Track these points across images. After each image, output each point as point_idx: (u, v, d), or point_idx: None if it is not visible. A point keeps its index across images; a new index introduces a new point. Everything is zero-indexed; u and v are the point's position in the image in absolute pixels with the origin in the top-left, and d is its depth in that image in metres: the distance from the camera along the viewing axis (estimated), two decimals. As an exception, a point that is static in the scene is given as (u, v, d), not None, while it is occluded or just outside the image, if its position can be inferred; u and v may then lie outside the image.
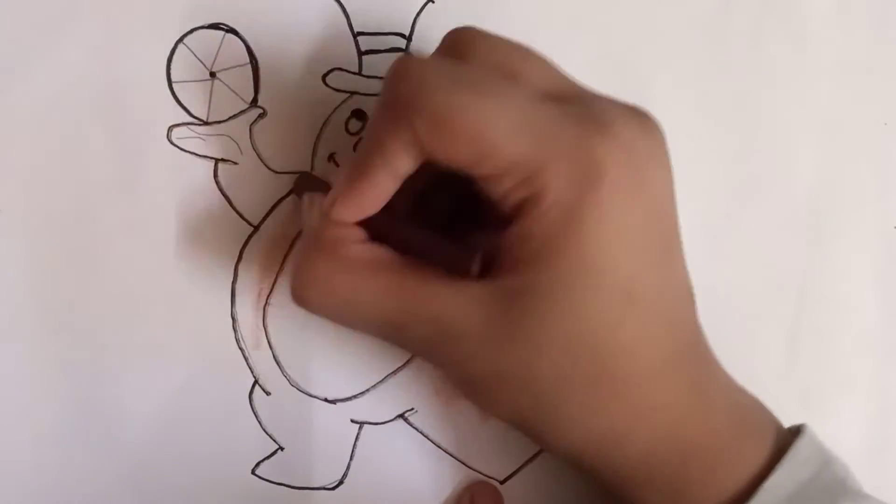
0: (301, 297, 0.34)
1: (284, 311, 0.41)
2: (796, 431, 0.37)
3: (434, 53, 0.35)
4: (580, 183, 0.31)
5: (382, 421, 0.42)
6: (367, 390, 0.42)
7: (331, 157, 0.41)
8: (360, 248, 0.34)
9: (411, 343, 0.36)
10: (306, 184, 0.40)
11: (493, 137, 0.31)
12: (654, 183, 0.33)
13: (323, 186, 0.37)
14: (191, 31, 0.40)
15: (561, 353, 0.32)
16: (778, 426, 0.37)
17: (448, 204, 0.37)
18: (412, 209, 0.36)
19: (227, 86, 0.41)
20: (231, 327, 0.41)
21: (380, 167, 0.32)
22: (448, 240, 0.34)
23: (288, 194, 0.41)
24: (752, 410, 0.37)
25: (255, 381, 0.41)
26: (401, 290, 0.33)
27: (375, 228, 0.34)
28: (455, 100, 0.31)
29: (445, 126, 0.31)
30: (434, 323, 0.33)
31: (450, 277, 0.33)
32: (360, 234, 0.34)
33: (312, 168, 0.41)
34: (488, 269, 0.33)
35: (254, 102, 0.41)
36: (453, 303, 0.32)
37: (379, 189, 0.33)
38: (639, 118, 0.34)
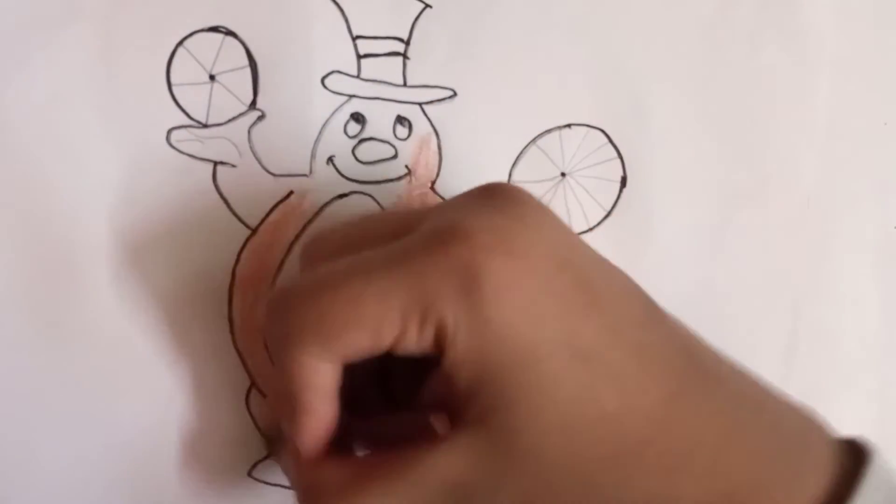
0: None
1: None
2: (856, 449, 0.33)
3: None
4: (466, 293, 0.29)
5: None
6: (366, 391, 0.42)
7: (329, 160, 0.41)
8: (342, 480, 0.33)
9: None
10: (277, 442, 0.40)
11: (372, 311, 0.30)
12: (533, 246, 0.31)
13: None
14: (190, 34, 0.40)
15: (563, 446, 0.30)
16: (835, 447, 0.33)
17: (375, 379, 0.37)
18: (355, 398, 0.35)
19: (226, 89, 0.41)
20: (228, 330, 0.41)
21: (304, 391, 0.32)
22: (406, 413, 0.34)
23: (286, 198, 0.41)
24: (799, 433, 0.33)
25: (252, 384, 0.42)
26: (399, 481, 0.32)
27: (343, 436, 0.34)
28: (320, 306, 0.31)
29: (328, 332, 0.31)
30: (445, 486, 0.31)
31: (432, 444, 0.32)
32: (336, 471, 0.33)
33: (311, 171, 0.41)
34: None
35: (253, 105, 0.41)
36: (447, 461, 0.31)
37: (317, 411, 0.33)
38: (485, 198, 0.32)
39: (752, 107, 0.44)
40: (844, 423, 0.45)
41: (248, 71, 0.41)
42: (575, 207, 0.43)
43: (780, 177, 0.44)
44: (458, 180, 0.42)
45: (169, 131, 0.40)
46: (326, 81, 0.41)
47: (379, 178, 0.42)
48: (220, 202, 0.41)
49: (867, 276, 0.46)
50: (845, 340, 0.46)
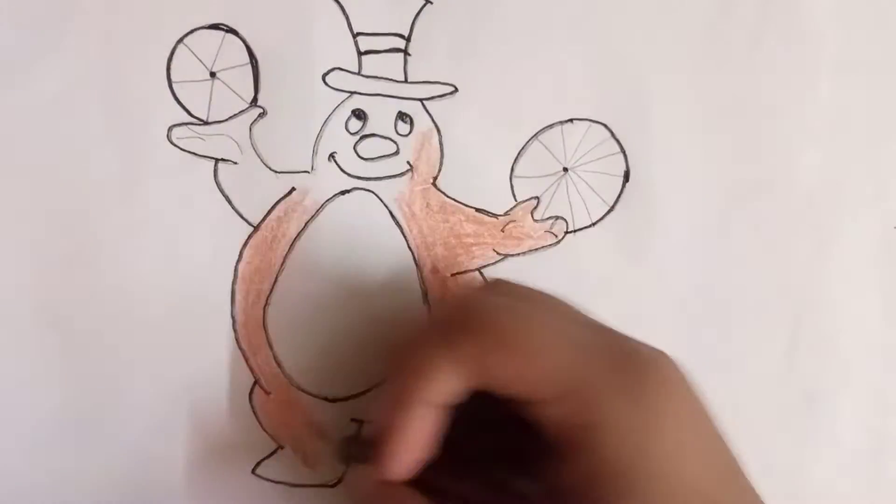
0: None
1: (284, 311, 0.41)
2: None
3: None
4: (635, 409, 0.31)
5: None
6: (367, 390, 0.42)
7: (331, 157, 0.41)
8: None
9: None
10: (352, 448, 0.39)
11: (554, 360, 0.31)
12: (695, 406, 0.33)
13: (368, 452, 0.36)
14: (191, 32, 0.40)
15: None
16: None
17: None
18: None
19: (227, 86, 0.41)
20: (231, 327, 0.41)
21: (422, 393, 0.33)
22: (496, 487, 0.34)
23: (288, 194, 0.41)
24: None
25: (256, 381, 0.41)
26: None
27: (427, 485, 0.34)
28: (519, 321, 0.31)
29: (508, 345, 0.31)
30: None
31: None
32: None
33: (313, 168, 0.41)
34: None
35: (254, 102, 0.41)
36: None
37: (423, 423, 0.33)
38: (665, 356, 0.34)
39: (753, 103, 0.44)
40: (844, 422, 0.45)
41: (249, 68, 0.41)
42: (577, 202, 0.43)
43: (782, 172, 0.44)
44: (460, 176, 0.42)
45: (170, 128, 0.40)
46: (328, 78, 0.41)
47: (380, 175, 0.42)
48: (222, 199, 0.41)
49: (867, 275, 0.45)
50: (845, 340, 0.45)
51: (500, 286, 0.37)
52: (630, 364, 0.32)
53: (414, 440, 0.33)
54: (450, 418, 0.34)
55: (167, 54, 0.40)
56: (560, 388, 0.32)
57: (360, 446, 0.38)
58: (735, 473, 0.33)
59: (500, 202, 0.42)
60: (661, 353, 0.33)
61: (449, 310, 0.33)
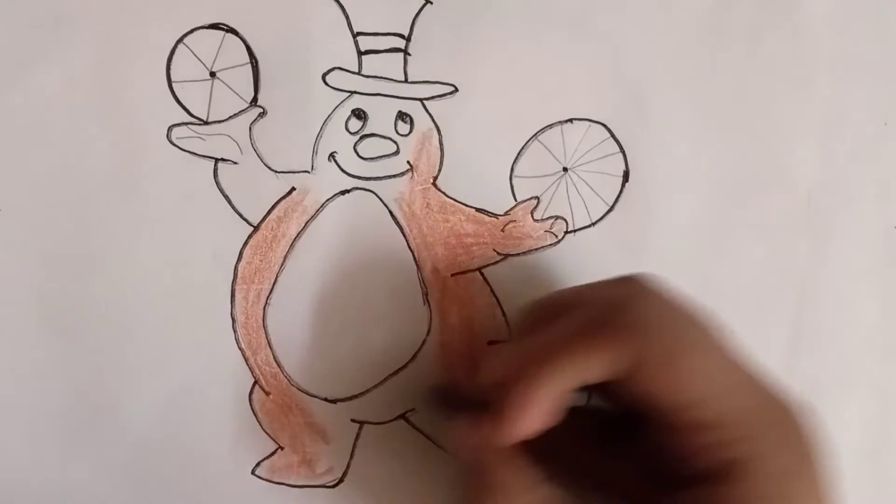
0: None
1: (284, 311, 0.41)
2: None
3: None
4: (788, 453, 0.32)
5: (382, 421, 0.42)
6: (367, 390, 0.42)
7: (331, 157, 0.41)
8: (537, 497, 0.34)
9: None
10: (443, 397, 0.40)
11: (718, 387, 0.31)
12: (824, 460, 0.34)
13: (463, 402, 0.36)
14: (191, 31, 0.40)
15: None
16: None
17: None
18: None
19: (227, 85, 0.41)
20: (231, 327, 0.41)
21: (564, 368, 0.32)
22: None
23: (288, 194, 0.41)
24: None
25: (255, 381, 0.41)
26: None
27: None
28: (691, 338, 0.31)
29: (673, 360, 0.31)
30: None
31: None
32: (536, 474, 0.34)
33: (313, 168, 0.41)
34: None
35: (254, 102, 0.41)
36: None
37: (553, 395, 0.33)
38: (804, 406, 0.34)
39: (752, 106, 0.44)
40: (845, 422, 0.45)
41: (248, 68, 0.41)
42: (577, 202, 0.43)
43: (781, 173, 0.44)
44: (460, 176, 0.42)
45: (170, 128, 0.40)
46: (327, 78, 0.41)
47: (380, 174, 0.42)
48: (222, 199, 0.41)
49: (867, 275, 0.45)
50: (846, 340, 0.45)
51: (657, 285, 0.36)
52: (784, 406, 0.33)
53: (542, 411, 0.33)
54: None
55: (167, 54, 0.40)
56: (720, 414, 0.32)
57: (458, 399, 0.38)
58: None
59: (500, 202, 0.42)
60: (800, 402, 0.34)
61: (623, 301, 0.33)
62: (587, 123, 0.43)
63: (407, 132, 0.42)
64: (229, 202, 0.41)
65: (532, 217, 0.43)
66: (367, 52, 0.41)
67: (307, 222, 0.41)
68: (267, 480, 0.42)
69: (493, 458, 0.34)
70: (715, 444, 0.32)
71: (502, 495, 0.33)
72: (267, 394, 0.41)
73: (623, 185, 0.43)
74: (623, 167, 0.43)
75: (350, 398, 0.42)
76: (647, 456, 0.35)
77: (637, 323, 0.32)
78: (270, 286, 0.41)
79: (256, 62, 0.41)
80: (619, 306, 0.33)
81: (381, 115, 0.41)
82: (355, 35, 0.41)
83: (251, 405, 0.41)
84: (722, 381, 0.32)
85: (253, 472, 0.42)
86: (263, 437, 0.42)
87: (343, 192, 0.41)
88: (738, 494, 0.32)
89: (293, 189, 0.41)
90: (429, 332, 0.42)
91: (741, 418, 0.32)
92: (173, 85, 0.40)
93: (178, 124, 0.40)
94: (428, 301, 0.42)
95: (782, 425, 0.33)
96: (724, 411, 0.32)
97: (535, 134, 0.42)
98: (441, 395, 0.40)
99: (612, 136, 0.43)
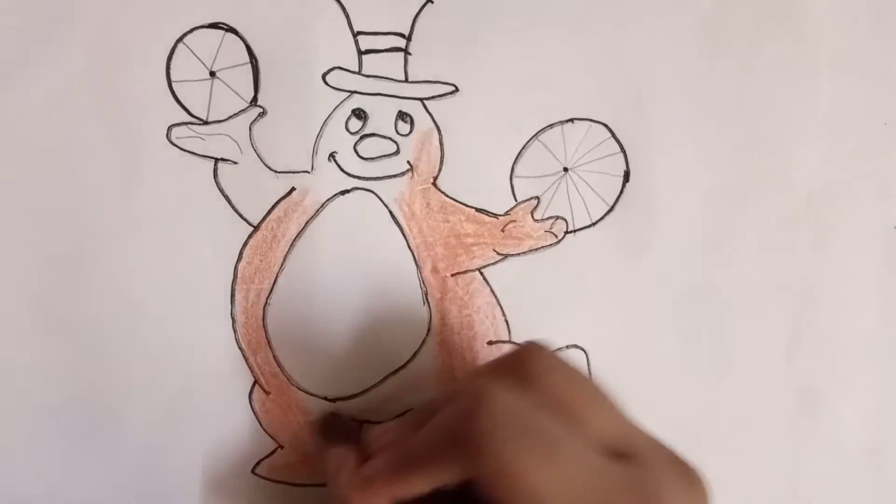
0: None
1: (284, 311, 0.41)
2: None
3: (500, 366, 0.35)
4: None
5: (382, 420, 0.42)
6: (367, 390, 0.42)
7: (331, 157, 0.41)
8: None
9: None
10: (331, 427, 0.40)
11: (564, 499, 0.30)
12: None
13: (347, 433, 0.37)
14: (191, 31, 0.40)
15: None
16: None
17: None
18: None
19: (226, 85, 0.41)
20: (231, 327, 0.41)
21: (421, 479, 0.32)
22: None
23: (288, 194, 0.41)
24: None
25: (255, 381, 0.41)
26: None
27: None
28: (523, 459, 0.30)
29: (506, 482, 0.30)
30: None
31: None
32: None
33: (313, 168, 0.41)
34: None
35: (254, 102, 0.41)
36: None
37: (412, 492, 0.33)
38: (687, 480, 0.33)
39: (753, 102, 0.44)
40: (844, 422, 0.45)
41: (248, 67, 0.41)
42: (577, 202, 0.43)
43: (781, 172, 0.44)
44: (460, 176, 0.42)
45: (170, 128, 0.40)
46: (328, 78, 0.41)
47: (381, 174, 0.42)
48: (222, 199, 0.41)
49: (867, 275, 0.45)
50: (845, 340, 0.45)
51: (524, 368, 0.34)
52: None
53: (396, 493, 0.33)
54: None
55: (167, 53, 0.40)
56: None
57: (340, 428, 0.39)
58: None
59: (500, 202, 0.42)
60: (680, 487, 0.33)
61: (466, 414, 0.32)
62: (588, 123, 0.43)
63: (407, 132, 0.42)
64: (229, 202, 0.41)
65: (532, 217, 0.43)
66: (368, 51, 0.41)
67: (307, 222, 0.41)
68: (267, 479, 0.42)
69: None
70: None
71: None
72: (267, 393, 0.41)
73: (623, 185, 0.43)
74: (624, 167, 0.43)
75: (350, 398, 0.42)
76: None
77: (470, 443, 0.31)
78: (270, 286, 0.41)
79: (256, 62, 0.41)
80: (458, 428, 0.32)
81: (382, 115, 0.41)
82: (355, 34, 0.41)
83: (251, 405, 0.41)
84: (563, 495, 0.30)
85: (253, 471, 0.42)
86: (264, 437, 0.42)
87: (343, 192, 0.41)
88: None
89: (293, 189, 0.41)
90: (429, 332, 0.42)
91: None
92: (173, 85, 0.40)
93: (178, 124, 0.40)
94: (428, 301, 0.42)
95: None
96: None
97: (536, 134, 0.42)
98: (329, 425, 0.41)
99: (613, 136, 0.43)
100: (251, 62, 0.41)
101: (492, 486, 0.30)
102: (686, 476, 0.33)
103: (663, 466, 0.33)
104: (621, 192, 0.43)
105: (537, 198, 0.43)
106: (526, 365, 0.34)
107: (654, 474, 0.32)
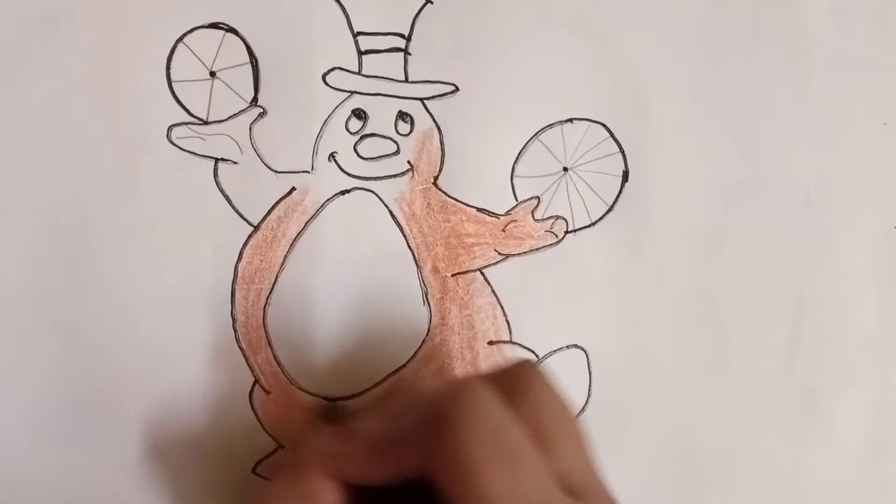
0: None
1: (284, 311, 0.41)
2: None
3: (494, 375, 0.34)
4: None
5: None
6: (367, 390, 0.42)
7: (331, 157, 0.41)
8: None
9: None
10: (332, 414, 0.41)
11: None
12: None
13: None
14: (191, 31, 0.40)
15: None
16: None
17: None
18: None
19: (227, 85, 0.41)
20: (231, 327, 0.41)
21: (383, 463, 0.32)
22: None
23: (288, 194, 0.41)
24: None
25: (256, 381, 0.41)
26: None
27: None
28: (486, 462, 0.30)
29: (462, 479, 0.30)
30: None
31: None
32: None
33: (313, 168, 0.41)
34: None
35: (254, 102, 0.41)
36: None
37: (372, 477, 0.33)
38: None
39: (751, 106, 0.44)
40: (844, 422, 0.45)
41: (248, 67, 0.41)
42: (577, 202, 0.43)
43: (781, 172, 0.44)
44: (461, 176, 0.42)
45: (169, 128, 0.40)
46: (328, 78, 0.41)
47: (381, 174, 0.42)
48: (222, 199, 0.41)
49: (867, 275, 0.46)
50: (845, 340, 0.46)
51: (515, 384, 0.34)
52: None
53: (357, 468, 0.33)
54: None
55: (167, 53, 0.40)
56: None
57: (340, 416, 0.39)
58: None
59: (501, 202, 0.42)
60: None
61: (450, 404, 0.31)
62: (587, 123, 0.43)
63: (407, 132, 0.42)
64: (229, 202, 0.41)
65: (533, 217, 0.43)
66: (368, 51, 0.41)
67: (307, 222, 0.41)
68: (267, 479, 0.42)
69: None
70: None
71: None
72: (267, 393, 0.41)
73: (623, 185, 0.43)
74: (623, 167, 0.43)
75: (350, 398, 0.42)
76: None
77: (440, 432, 0.31)
78: (270, 286, 0.41)
79: (256, 62, 0.41)
80: (431, 417, 0.32)
81: (382, 115, 0.41)
82: (355, 35, 0.41)
83: (251, 404, 0.41)
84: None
85: (253, 471, 0.42)
86: (264, 437, 0.42)
87: (343, 192, 0.41)
88: None
89: (293, 189, 0.41)
90: (429, 331, 0.42)
91: None
92: (173, 85, 0.40)
93: (178, 124, 0.40)
94: (428, 301, 0.42)
95: None
96: None
97: (536, 133, 0.42)
98: (331, 413, 0.41)
99: (612, 136, 0.43)
100: (251, 62, 0.41)
101: (448, 481, 0.30)
102: None
103: None
104: (620, 191, 0.43)
105: (538, 197, 0.43)
106: (518, 379, 0.34)
107: None
